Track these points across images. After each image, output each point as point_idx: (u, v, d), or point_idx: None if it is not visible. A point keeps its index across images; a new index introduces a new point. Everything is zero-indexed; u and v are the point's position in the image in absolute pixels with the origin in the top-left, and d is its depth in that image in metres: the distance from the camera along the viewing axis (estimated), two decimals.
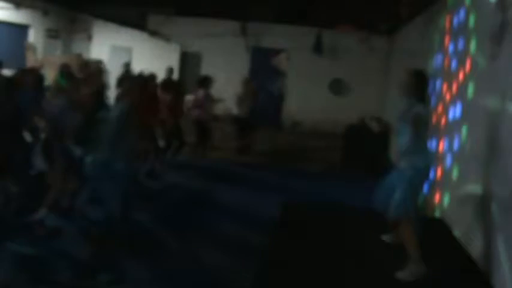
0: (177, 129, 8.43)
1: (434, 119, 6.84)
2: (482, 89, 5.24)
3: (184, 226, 5.57)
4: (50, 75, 9.18)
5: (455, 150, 5.90)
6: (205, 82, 9.34)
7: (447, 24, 7.23)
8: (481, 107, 5.16)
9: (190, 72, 15.07)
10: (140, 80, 4.70)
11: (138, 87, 4.70)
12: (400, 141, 4.60)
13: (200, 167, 8.72)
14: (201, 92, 9.23)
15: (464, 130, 5.65)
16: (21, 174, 5.48)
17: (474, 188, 5.05)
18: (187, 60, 15.73)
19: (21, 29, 12.26)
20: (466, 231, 5.14)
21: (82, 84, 5.60)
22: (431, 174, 4.87)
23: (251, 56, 15.93)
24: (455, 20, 6.75)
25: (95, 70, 7.13)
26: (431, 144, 6.57)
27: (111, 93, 7.48)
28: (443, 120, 6.63)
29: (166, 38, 15.71)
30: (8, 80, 5.67)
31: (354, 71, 15.28)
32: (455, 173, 5.77)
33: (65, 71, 7.19)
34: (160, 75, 9.32)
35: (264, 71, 15.09)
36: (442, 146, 6.48)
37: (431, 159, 4.80)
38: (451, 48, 6.77)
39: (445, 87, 6.76)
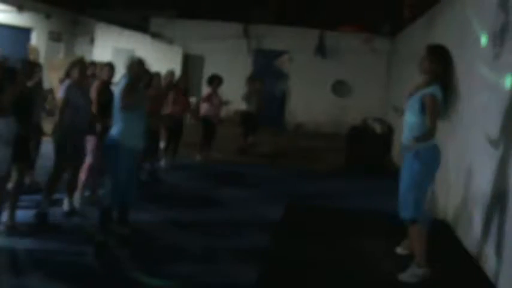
0: (179, 125, 8.44)
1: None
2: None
3: (185, 225, 5.57)
4: (52, 78, 9.20)
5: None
6: (214, 80, 9.68)
7: None
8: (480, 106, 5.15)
9: (193, 75, 15.07)
10: (140, 60, 4.92)
11: (137, 64, 4.89)
12: (407, 119, 4.21)
13: (204, 168, 8.74)
14: (209, 90, 9.71)
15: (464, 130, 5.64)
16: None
17: (478, 188, 5.04)
18: (190, 62, 15.74)
19: (24, 32, 12.29)
20: (468, 232, 5.12)
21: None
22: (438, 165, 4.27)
23: (253, 57, 15.95)
24: None
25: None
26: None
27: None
28: None
29: (169, 41, 15.74)
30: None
31: (357, 73, 15.28)
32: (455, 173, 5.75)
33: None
34: None
35: (266, 72, 15.11)
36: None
37: (438, 150, 4.22)
38: None
39: None
